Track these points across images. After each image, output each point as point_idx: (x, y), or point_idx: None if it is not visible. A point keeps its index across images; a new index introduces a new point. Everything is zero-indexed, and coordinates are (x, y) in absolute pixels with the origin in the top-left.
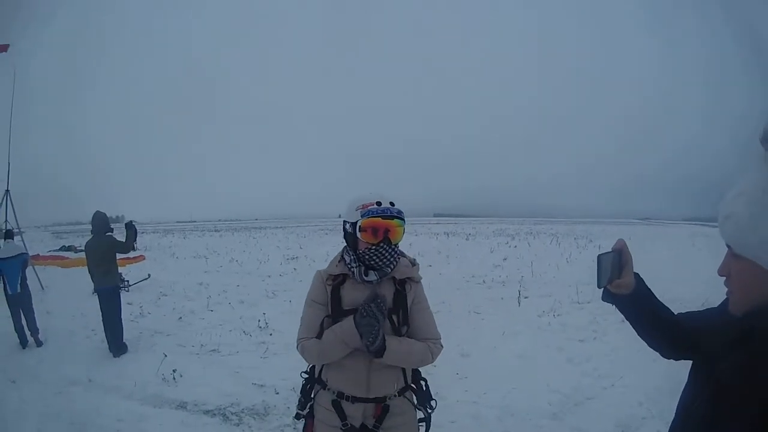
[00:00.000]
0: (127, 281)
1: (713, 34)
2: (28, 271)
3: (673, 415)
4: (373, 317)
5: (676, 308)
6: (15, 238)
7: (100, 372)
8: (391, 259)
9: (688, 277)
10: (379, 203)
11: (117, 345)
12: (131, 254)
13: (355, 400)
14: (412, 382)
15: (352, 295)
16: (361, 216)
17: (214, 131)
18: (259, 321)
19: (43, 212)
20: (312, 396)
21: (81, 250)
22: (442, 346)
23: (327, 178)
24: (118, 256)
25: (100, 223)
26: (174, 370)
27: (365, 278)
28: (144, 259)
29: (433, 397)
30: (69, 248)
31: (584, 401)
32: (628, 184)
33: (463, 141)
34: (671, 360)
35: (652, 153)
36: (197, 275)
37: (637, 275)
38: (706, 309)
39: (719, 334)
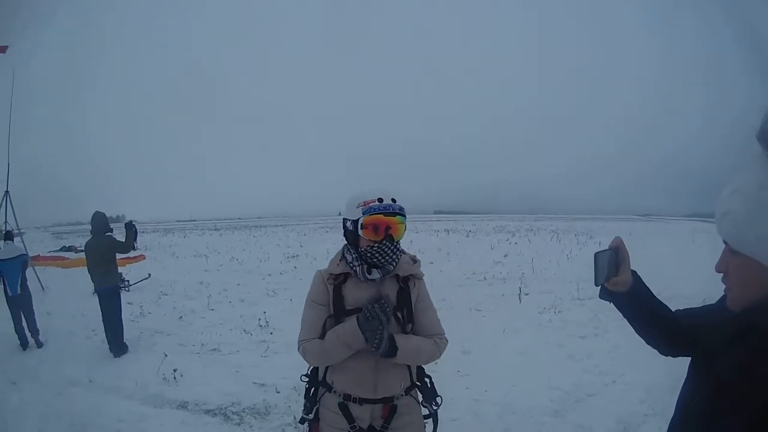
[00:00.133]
0: (128, 281)
1: (713, 33)
2: (29, 272)
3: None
4: (377, 319)
5: (677, 304)
6: (15, 239)
7: (101, 372)
8: (394, 257)
9: (689, 273)
10: (380, 200)
11: (117, 345)
12: (131, 254)
13: (362, 401)
14: (417, 380)
15: (355, 294)
16: (363, 213)
17: (214, 131)
18: (259, 320)
19: (43, 213)
20: (317, 399)
21: (81, 251)
22: (447, 340)
23: (327, 177)
24: (118, 255)
25: (100, 223)
26: (175, 370)
27: (368, 276)
28: (144, 258)
29: (438, 394)
30: (69, 248)
31: (585, 398)
32: (628, 180)
33: (464, 140)
34: (670, 357)
35: (652, 149)
36: (197, 274)
37: (634, 273)
38: (704, 305)
39: (718, 330)
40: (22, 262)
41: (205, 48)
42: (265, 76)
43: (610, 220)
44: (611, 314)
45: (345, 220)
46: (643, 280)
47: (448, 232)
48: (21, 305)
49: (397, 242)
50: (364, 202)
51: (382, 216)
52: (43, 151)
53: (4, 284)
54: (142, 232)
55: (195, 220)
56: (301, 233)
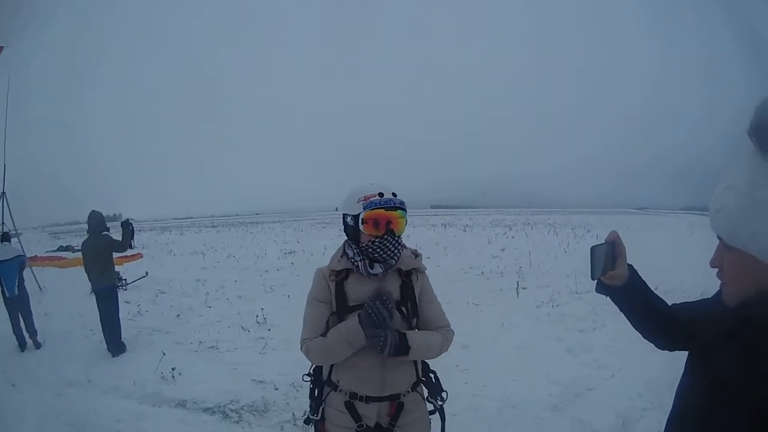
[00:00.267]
0: (125, 280)
1: (711, 31)
2: (26, 272)
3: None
4: (379, 315)
5: (675, 298)
6: (12, 240)
7: (99, 372)
8: (396, 251)
9: (687, 267)
10: (381, 194)
11: (115, 344)
12: (128, 252)
13: (369, 399)
14: (423, 376)
15: (358, 289)
16: (364, 208)
17: (213, 131)
18: (257, 316)
19: (40, 213)
20: (323, 399)
21: (78, 250)
22: (453, 332)
23: (325, 174)
24: (115, 254)
25: (96, 222)
26: (173, 368)
27: (371, 271)
28: (141, 256)
29: (444, 389)
30: (66, 248)
31: (584, 392)
32: (625, 174)
33: (463, 138)
34: (668, 351)
35: (650, 146)
36: (195, 272)
37: (630, 267)
38: (701, 299)
39: (714, 324)
40: (19, 263)
41: (204, 46)
42: (263, 74)
43: (608, 214)
44: (609, 308)
45: (345, 216)
46: (640, 273)
47: (445, 226)
48: (19, 306)
49: (398, 236)
50: (365, 197)
51: (383, 210)
52: (40, 151)
53: (2, 285)
54: (139, 230)
55: (192, 218)
56: (298, 229)
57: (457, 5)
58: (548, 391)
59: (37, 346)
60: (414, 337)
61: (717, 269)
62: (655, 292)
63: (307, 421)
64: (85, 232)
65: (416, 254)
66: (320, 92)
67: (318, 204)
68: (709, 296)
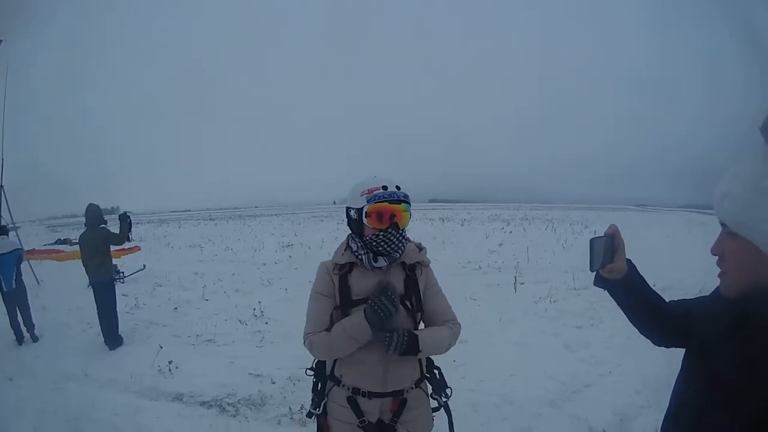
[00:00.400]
0: (122, 273)
1: (711, 28)
2: (24, 266)
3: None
4: (385, 311)
5: (673, 296)
6: (10, 233)
7: (96, 366)
8: (400, 245)
9: (685, 264)
10: (385, 187)
11: (112, 338)
12: (126, 245)
13: (371, 395)
14: (427, 372)
15: (362, 283)
16: (367, 201)
17: (212, 126)
18: (254, 310)
19: (38, 206)
20: (325, 393)
21: (76, 243)
22: (460, 325)
23: (326, 172)
24: (113, 247)
25: (94, 215)
26: (170, 362)
27: (374, 265)
28: (139, 249)
29: (448, 385)
30: (64, 241)
31: (582, 389)
32: (623, 171)
33: (462, 135)
34: (664, 348)
35: (648, 142)
36: (192, 265)
37: (629, 261)
38: (698, 297)
39: (712, 321)
40: (17, 256)
41: (203, 43)
42: (263, 70)
43: (606, 210)
44: (607, 304)
45: (348, 209)
46: (638, 270)
47: (443, 220)
48: (16, 300)
49: (402, 230)
50: (368, 190)
51: (386, 204)
52: (38, 145)
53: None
54: (137, 223)
55: (189, 211)
56: (296, 222)
57: (456, 5)
58: (545, 386)
59: (35, 339)
60: (424, 337)
61: (717, 258)
62: (655, 290)
63: (309, 415)
64: (83, 225)
65: (420, 247)
66: (320, 90)
67: (316, 198)
68: (707, 294)
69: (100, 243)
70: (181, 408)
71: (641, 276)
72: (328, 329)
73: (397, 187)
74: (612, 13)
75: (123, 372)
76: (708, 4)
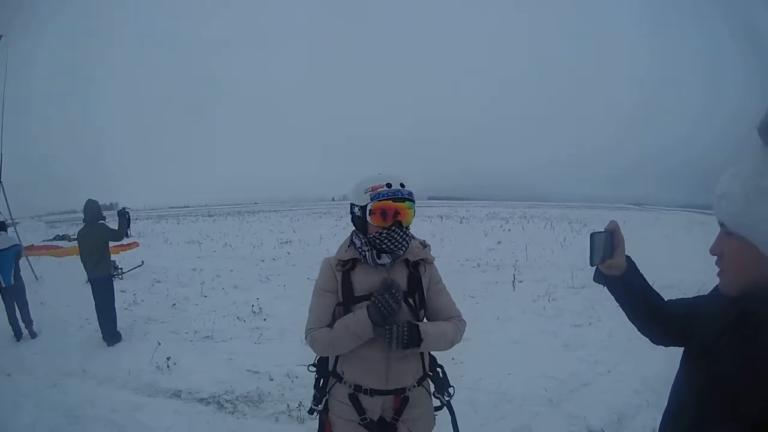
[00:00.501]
0: (121, 269)
1: (711, 27)
2: (22, 262)
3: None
4: (388, 308)
5: (673, 295)
6: (8, 229)
7: (94, 362)
8: (403, 242)
9: (685, 264)
10: (389, 185)
11: (110, 334)
12: (124, 241)
13: (373, 392)
14: (430, 370)
15: (365, 280)
16: (371, 199)
17: (211, 122)
18: (252, 306)
19: (37, 202)
20: (327, 390)
21: (75, 239)
22: (465, 322)
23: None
24: (111, 243)
25: (93, 211)
26: (168, 358)
27: (378, 262)
28: (138, 245)
29: (451, 384)
30: (63, 237)
31: (580, 387)
32: (624, 170)
33: (461, 133)
34: (662, 347)
35: (647, 141)
36: (191, 261)
37: (628, 258)
38: (697, 296)
39: (711, 320)
40: (15, 252)
41: (202, 41)
42: (262, 68)
43: (605, 209)
44: (606, 303)
45: (352, 206)
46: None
47: (441, 218)
48: (15, 296)
49: (406, 227)
50: (372, 188)
51: (390, 202)
52: (37, 141)
53: None
54: (136, 219)
55: (188, 207)
56: (294, 218)
57: (456, 5)
58: (544, 385)
59: (33, 336)
60: (425, 327)
61: (716, 257)
62: (654, 288)
63: (310, 412)
64: (82, 221)
65: (424, 245)
66: (319, 90)
67: (316, 194)
68: (706, 293)
69: (99, 239)
70: (179, 404)
71: (640, 273)
72: (330, 325)
73: (402, 185)
74: (612, 13)
75: (121, 368)
76: (708, 4)
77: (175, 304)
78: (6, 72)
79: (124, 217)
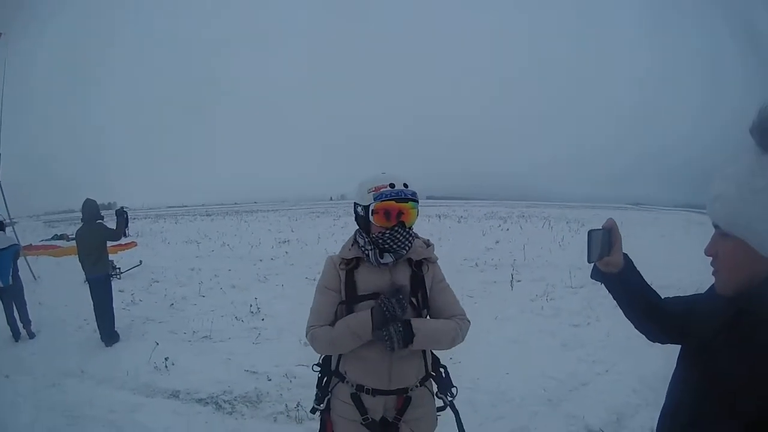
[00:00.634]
0: (119, 268)
1: (710, 27)
2: (20, 261)
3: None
4: (392, 312)
5: (671, 294)
6: (7, 229)
7: (93, 362)
8: (406, 243)
9: (683, 263)
10: (392, 185)
11: (109, 334)
12: (123, 241)
13: (375, 392)
14: (433, 370)
15: (368, 279)
16: (374, 199)
17: (211, 126)
18: (251, 306)
19: (35, 201)
20: (329, 389)
21: (73, 239)
22: (469, 321)
23: (325, 172)
24: (109, 243)
25: (91, 210)
26: (166, 358)
27: (381, 261)
28: (136, 245)
29: (454, 384)
30: (61, 237)
31: (579, 387)
32: (623, 170)
33: (460, 133)
34: (659, 345)
35: (646, 141)
36: (189, 260)
37: (626, 256)
38: (694, 294)
39: (707, 318)
40: (13, 252)
41: (201, 40)
42: (262, 68)
43: (603, 209)
44: (604, 303)
45: (356, 205)
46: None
47: (439, 217)
48: (13, 296)
49: (409, 227)
50: (375, 188)
51: (393, 202)
52: (36, 140)
53: None
54: (134, 218)
55: (186, 206)
56: (293, 218)
57: (457, 5)
58: (542, 385)
59: (31, 336)
60: (419, 324)
61: (711, 258)
62: (651, 286)
63: (313, 411)
64: (80, 221)
65: (428, 244)
66: (319, 89)
67: (314, 194)
68: (703, 292)
69: (97, 239)
70: (178, 405)
71: (638, 271)
72: (332, 324)
73: (405, 185)
74: (612, 13)
75: (119, 368)
76: (708, 4)
77: (173, 304)
78: (5, 71)
79: (122, 216)
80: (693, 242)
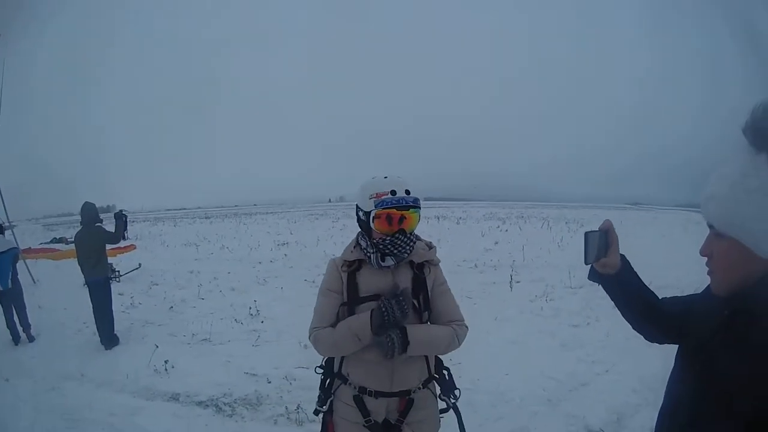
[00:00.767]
0: (118, 271)
1: (710, 27)
2: (20, 265)
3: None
4: (392, 315)
5: (669, 294)
6: (6, 232)
7: (92, 365)
8: (407, 247)
9: (681, 263)
10: (393, 192)
11: (108, 337)
12: (122, 244)
13: (378, 394)
14: (435, 372)
15: (370, 281)
16: (375, 206)
17: (210, 124)
18: (250, 308)
19: (34, 204)
20: (332, 391)
21: (72, 242)
22: (467, 327)
23: (324, 174)
24: (108, 246)
25: (90, 214)
26: (166, 361)
27: (382, 264)
28: (135, 248)
29: (457, 386)
30: (60, 240)
31: (578, 387)
32: (623, 169)
33: (457, 131)
34: (657, 345)
35: (645, 141)
36: (188, 263)
37: (623, 257)
38: (691, 294)
39: (704, 318)
40: (12, 255)
41: (201, 41)
42: (262, 68)
43: (601, 209)
44: (603, 303)
45: (358, 209)
46: (634, 269)
47: (438, 218)
48: (12, 299)
49: (410, 233)
50: (377, 194)
51: (394, 210)
52: (35, 143)
53: None
54: (133, 221)
55: (185, 209)
56: (291, 220)
57: (457, 5)
58: (542, 385)
59: (31, 339)
60: (414, 331)
61: (707, 258)
62: (649, 287)
63: (315, 413)
64: (79, 224)
65: (430, 246)
66: (319, 89)
67: (313, 195)
68: (700, 291)
69: (96, 242)
70: (178, 408)
71: (635, 272)
72: (334, 325)
73: (407, 192)
74: (612, 13)
75: (119, 372)
76: (708, 4)
77: (172, 307)
78: (4, 71)
79: (121, 219)
80: (692, 242)
